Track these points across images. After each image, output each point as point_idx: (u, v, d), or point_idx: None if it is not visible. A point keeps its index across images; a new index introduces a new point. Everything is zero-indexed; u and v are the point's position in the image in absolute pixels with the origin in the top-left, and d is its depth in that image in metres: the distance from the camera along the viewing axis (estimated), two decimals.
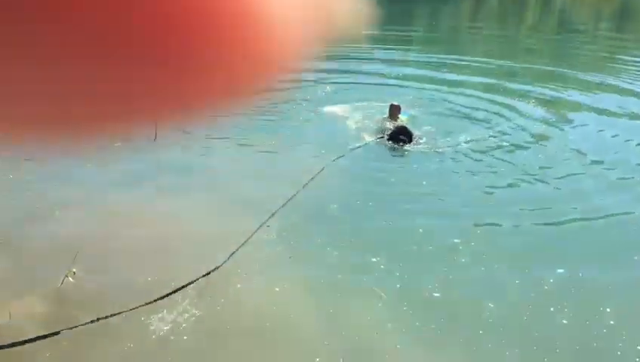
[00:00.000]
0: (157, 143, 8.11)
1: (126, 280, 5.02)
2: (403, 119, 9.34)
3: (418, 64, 15.37)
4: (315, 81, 12.12)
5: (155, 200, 6.68)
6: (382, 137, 8.55)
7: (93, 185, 6.94)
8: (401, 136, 8.34)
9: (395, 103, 9.61)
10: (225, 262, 5.02)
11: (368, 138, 8.62)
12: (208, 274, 4.86)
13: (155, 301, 4.51)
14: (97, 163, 7.53)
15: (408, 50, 18.43)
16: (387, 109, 9.56)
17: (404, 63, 15.54)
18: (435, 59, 15.72)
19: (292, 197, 6.21)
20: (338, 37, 0.34)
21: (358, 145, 8.26)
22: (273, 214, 5.87)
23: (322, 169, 7.05)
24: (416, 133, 8.59)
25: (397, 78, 13.32)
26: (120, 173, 7.31)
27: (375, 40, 18.53)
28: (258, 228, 5.63)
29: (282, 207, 6.01)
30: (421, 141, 8.48)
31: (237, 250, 5.20)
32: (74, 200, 6.46)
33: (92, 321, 4.25)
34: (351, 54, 15.53)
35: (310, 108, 10.27)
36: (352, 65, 14.32)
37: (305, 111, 10.12)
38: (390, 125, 8.90)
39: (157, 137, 8.12)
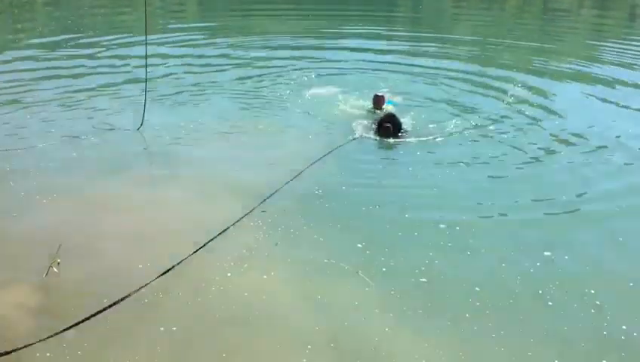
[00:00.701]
0: (142, 131, 8.16)
1: (111, 269, 4.99)
2: (389, 108, 9.05)
3: (402, 48, 15.19)
4: (299, 68, 12.07)
5: (139, 188, 6.63)
6: (367, 133, 8.22)
7: (76, 174, 6.85)
8: (385, 123, 8.04)
9: (379, 93, 9.32)
10: (198, 250, 4.97)
11: (356, 132, 8.26)
12: (179, 263, 4.80)
13: (139, 289, 4.46)
14: (81, 151, 7.48)
15: (392, 33, 18.28)
16: (372, 99, 9.27)
17: (389, 46, 15.38)
18: (419, 43, 15.61)
19: (273, 193, 6.12)
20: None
21: (341, 144, 7.70)
22: (252, 210, 5.76)
23: (307, 167, 6.87)
24: (403, 121, 8.31)
25: (381, 62, 13.17)
26: (104, 161, 7.25)
27: (356, 21, 18.48)
28: (239, 219, 5.59)
29: (263, 202, 5.92)
30: (408, 130, 8.29)
31: (210, 240, 5.14)
32: (57, 189, 6.38)
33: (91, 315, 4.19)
34: (333, 38, 15.49)
35: (295, 97, 10.13)
36: (336, 50, 14.23)
37: (291, 99, 9.98)
38: (375, 116, 8.64)
39: (143, 125, 8.14)
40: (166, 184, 6.69)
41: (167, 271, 4.68)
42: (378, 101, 9.17)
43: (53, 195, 6.23)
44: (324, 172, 6.92)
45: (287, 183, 6.33)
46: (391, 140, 7.99)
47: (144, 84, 8.46)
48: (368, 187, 6.61)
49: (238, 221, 5.52)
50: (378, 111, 9.02)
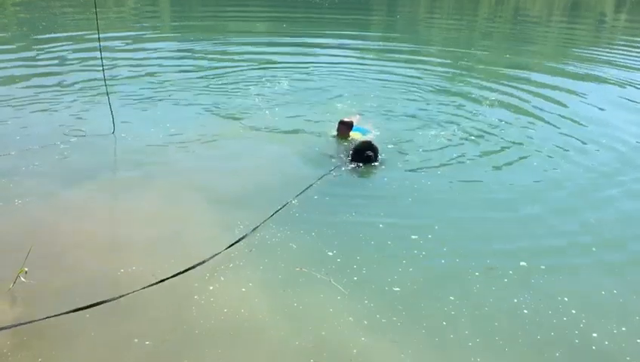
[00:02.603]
0: (115, 136, 8.01)
1: (81, 278, 4.86)
2: (356, 137, 7.98)
3: (374, 57, 15.25)
4: (272, 69, 12.04)
5: (111, 195, 6.52)
6: (338, 166, 7.25)
7: (46, 180, 6.67)
8: (367, 152, 7.23)
9: (346, 119, 8.05)
10: (191, 268, 4.82)
11: (333, 160, 7.45)
12: (172, 276, 4.69)
13: (117, 298, 4.35)
14: (51, 157, 7.30)
15: (365, 41, 18.36)
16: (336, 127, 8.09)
17: (361, 56, 15.40)
18: (392, 52, 15.72)
19: (254, 229, 5.58)
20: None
21: (310, 184, 6.65)
22: (240, 238, 5.68)
23: (281, 207, 6.10)
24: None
25: (352, 71, 12.99)
26: (75, 166, 7.10)
27: (329, 26, 18.48)
28: (229, 246, 5.44)
29: (242, 239, 5.39)
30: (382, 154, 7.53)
31: (204, 261, 4.93)
32: (26, 195, 6.22)
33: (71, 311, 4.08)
34: (308, 45, 15.49)
35: (266, 103, 10.07)
36: (307, 56, 14.21)
37: (263, 105, 9.92)
38: (350, 145, 7.62)
39: (115, 130, 7.99)
40: (139, 190, 6.56)
41: (151, 285, 4.53)
42: (342, 129, 8.02)
43: (25, 202, 6.07)
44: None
45: (270, 217, 5.82)
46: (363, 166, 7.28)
47: (114, 87, 8.30)
48: (341, 199, 6.50)
49: (228, 247, 5.23)
50: (343, 141, 7.95)
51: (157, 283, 4.56)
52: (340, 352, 4.14)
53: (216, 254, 5.05)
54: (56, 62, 12.68)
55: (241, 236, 5.40)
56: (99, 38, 8.17)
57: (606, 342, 4.31)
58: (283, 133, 8.56)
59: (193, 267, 4.81)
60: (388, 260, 5.30)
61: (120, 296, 4.35)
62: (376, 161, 7.35)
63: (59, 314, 4.14)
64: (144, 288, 4.50)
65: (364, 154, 7.26)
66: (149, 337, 4.18)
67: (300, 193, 6.37)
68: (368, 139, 7.61)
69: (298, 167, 7.39)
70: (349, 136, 8.04)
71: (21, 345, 4.05)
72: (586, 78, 13.38)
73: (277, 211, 5.93)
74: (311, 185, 6.60)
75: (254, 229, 5.58)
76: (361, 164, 7.27)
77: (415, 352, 4.17)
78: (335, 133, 8.16)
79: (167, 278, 4.62)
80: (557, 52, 17.74)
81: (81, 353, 4.04)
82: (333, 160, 7.51)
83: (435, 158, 7.72)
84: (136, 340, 4.15)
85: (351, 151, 7.44)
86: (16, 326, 4.08)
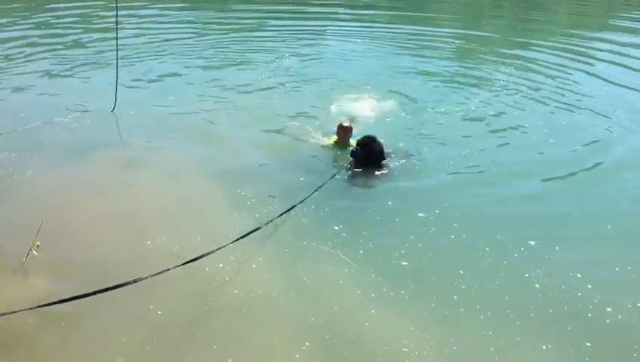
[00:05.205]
0: (115, 113, 7.89)
1: (93, 253, 4.80)
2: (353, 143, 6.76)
3: (380, 43, 14.87)
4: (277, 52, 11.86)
5: (115, 171, 6.40)
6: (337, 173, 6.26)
7: (52, 156, 6.59)
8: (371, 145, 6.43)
9: (345, 124, 6.96)
10: (209, 254, 4.53)
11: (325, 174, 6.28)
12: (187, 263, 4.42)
13: (135, 281, 4.14)
14: (55, 133, 7.20)
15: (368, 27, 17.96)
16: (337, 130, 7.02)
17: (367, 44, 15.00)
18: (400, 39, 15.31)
19: (248, 233, 4.92)
20: None
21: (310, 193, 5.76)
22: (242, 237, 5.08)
23: (285, 211, 5.44)
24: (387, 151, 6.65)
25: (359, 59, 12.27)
26: (81, 142, 6.99)
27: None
28: (246, 235, 5.28)
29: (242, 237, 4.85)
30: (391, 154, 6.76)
31: (220, 248, 4.62)
32: (33, 172, 6.14)
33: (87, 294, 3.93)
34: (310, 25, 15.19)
35: (271, 82, 9.85)
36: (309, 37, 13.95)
37: (266, 84, 9.68)
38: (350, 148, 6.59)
39: (116, 107, 7.87)
40: (140, 167, 6.48)
41: (167, 270, 4.24)
42: (343, 133, 6.93)
43: (30, 179, 6.00)
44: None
45: (258, 229, 5.05)
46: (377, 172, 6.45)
47: (115, 65, 8.19)
48: (347, 181, 6.31)
49: (243, 236, 4.86)
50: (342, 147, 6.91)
51: (179, 265, 4.34)
52: (351, 326, 4.07)
53: (236, 239, 4.79)
54: (59, 39, 12.52)
55: (257, 227, 5.04)
56: (117, 19, 8.10)
57: (620, 317, 4.22)
58: (294, 116, 8.26)
59: (212, 252, 4.56)
60: (396, 236, 5.21)
61: (146, 277, 4.11)
62: (380, 160, 6.51)
63: (88, 295, 3.88)
64: (165, 271, 4.26)
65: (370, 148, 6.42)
66: (163, 315, 4.12)
67: (304, 199, 5.62)
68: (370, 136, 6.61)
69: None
70: (349, 143, 6.91)
71: (43, 323, 3.99)
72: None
73: (294, 206, 5.49)
74: (334, 175, 6.17)
75: (269, 222, 5.19)
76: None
77: (426, 325, 4.09)
78: (329, 141, 7.14)
79: (187, 262, 4.39)
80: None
81: (99, 330, 4.00)
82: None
83: (440, 138, 7.55)
84: (148, 318, 4.08)
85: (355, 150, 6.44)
86: (42, 306, 3.88)
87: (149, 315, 4.11)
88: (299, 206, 5.52)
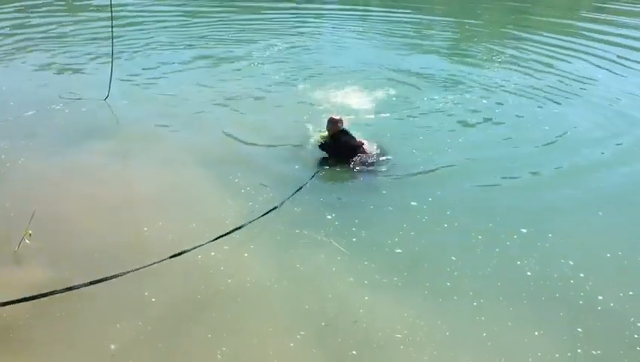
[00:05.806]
0: (108, 101, 7.87)
1: (86, 241, 4.80)
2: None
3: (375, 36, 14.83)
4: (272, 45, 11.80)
5: (108, 159, 6.38)
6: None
7: (44, 144, 6.58)
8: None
9: (336, 117, 6.61)
10: (203, 244, 4.63)
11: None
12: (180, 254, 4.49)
13: (131, 271, 4.20)
14: (48, 121, 7.17)
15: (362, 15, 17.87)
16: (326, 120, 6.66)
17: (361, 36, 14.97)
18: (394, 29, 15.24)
19: (239, 227, 4.93)
20: None
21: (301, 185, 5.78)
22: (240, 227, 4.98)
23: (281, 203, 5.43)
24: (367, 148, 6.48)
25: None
26: (72, 131, 6.98)
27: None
28: (243, 226, 5.28)
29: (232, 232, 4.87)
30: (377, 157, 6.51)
31: (213, 239, 4.70)
32: (25, 160, 6.14)
33: (85, 284, 3.99)
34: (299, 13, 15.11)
35: (267, 72, 9.85)
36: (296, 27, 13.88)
37: (259, 74, 9.67)
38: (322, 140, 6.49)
39: (109, 95, 7.85)
40: (134, 155, 6.49)
41: (161, 261, 4.35)
42: (334, 126, 6.53)
43: (23, 167, 6.00)
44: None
45: (252, 221, 5.07)
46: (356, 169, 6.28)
47: (110, 53, 8.17)
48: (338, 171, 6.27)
49: (235, 229, 4.90)
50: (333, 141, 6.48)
51: (174, 256, 4.41)
52: (345, 313, 4.10)
53: (235, 229, 4.88)
54: (53, 27, 12.48)
55: (255, 217, 5.09)
56: (111, 10, 8.13)
57: (611, 304, 4.26)
58: (288, 106, 8.24)
59: (209, 242, 4.64)
60: (389, 225, 5.23)
61: (141, 267, 4.23)
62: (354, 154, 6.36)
63: (85, 285, 4.02)
64: (160, 261, 4.37)
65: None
66: (157, 304, 4.12)
67: (291, 195, 5.56)
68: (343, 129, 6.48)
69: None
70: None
71: (35, 313, 3.99)
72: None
73: (292, 194, 5.55)
74: (317, 172, 6.11)
75: (267, 212, 5.21)
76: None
77: (419, 312, 4.12)
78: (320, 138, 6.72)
79: (182, 252, 4.46)
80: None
81: (93, 319, 4.00)
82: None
83: (433, 128, 7.55)
84: (142, 307, 4.09)
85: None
86: (45, 295, 3.92)
87: (144, 304, 4.12)
88: (291, 196, 5.54)
